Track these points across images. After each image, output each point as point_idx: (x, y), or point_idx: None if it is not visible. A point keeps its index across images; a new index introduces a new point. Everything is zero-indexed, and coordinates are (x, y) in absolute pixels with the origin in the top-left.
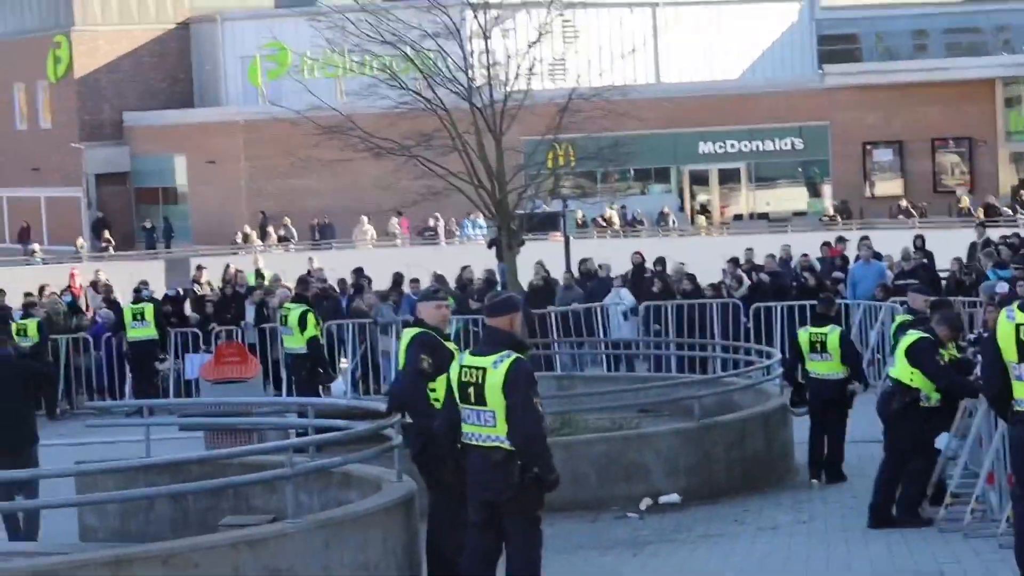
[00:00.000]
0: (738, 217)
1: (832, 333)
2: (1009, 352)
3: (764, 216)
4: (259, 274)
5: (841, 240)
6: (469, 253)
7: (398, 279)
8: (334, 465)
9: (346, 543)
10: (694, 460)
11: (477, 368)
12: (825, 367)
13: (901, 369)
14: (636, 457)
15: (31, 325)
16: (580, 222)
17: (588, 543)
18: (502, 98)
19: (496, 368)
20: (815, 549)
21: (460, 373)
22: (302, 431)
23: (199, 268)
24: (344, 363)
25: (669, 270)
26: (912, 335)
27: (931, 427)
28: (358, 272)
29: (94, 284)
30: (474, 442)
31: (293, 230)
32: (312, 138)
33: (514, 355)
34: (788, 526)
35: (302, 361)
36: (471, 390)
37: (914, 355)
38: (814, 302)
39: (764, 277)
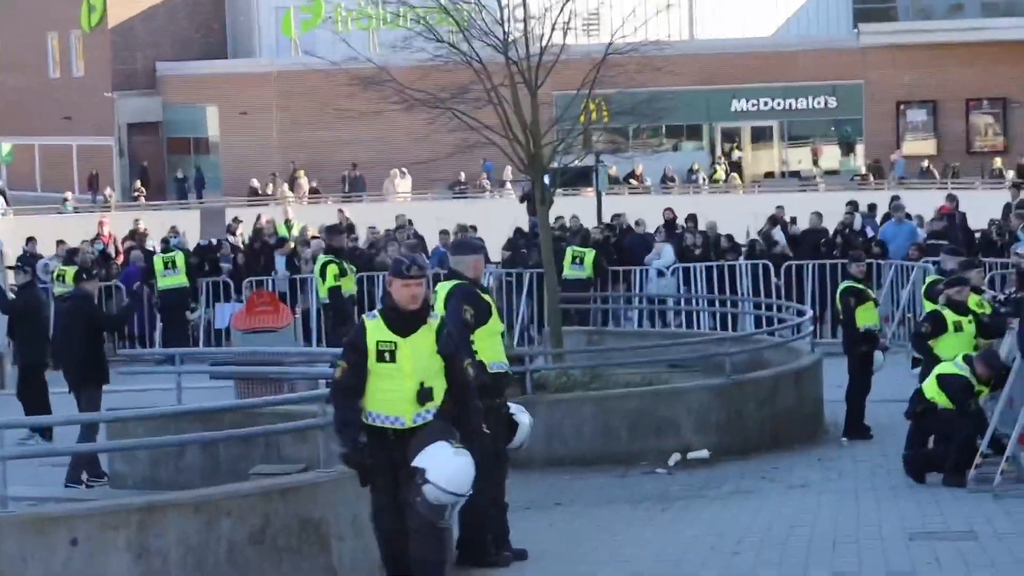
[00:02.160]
0: (769, 175)
1: None
2: None
3: (796, 174)
4: (288, 225)
5: (951, 198)
6: (501, 207)
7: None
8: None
9: None
10: (724, 416)
11: None
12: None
13: (929, 386)
14: (666, 412)
15: (69, 272)
16: (614, 178)
17: (618, 497)
18: (537, 52)
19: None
20: (845, 507)
21: None
22: None
23: (236, 220)
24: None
25: (701, 226)
26: (948, 368)
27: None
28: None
29: (133, 233)
30: None
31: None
32: (345, 89)
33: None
34: (818, 483)
35: (326, 311)
36: None
37: (947, 388)
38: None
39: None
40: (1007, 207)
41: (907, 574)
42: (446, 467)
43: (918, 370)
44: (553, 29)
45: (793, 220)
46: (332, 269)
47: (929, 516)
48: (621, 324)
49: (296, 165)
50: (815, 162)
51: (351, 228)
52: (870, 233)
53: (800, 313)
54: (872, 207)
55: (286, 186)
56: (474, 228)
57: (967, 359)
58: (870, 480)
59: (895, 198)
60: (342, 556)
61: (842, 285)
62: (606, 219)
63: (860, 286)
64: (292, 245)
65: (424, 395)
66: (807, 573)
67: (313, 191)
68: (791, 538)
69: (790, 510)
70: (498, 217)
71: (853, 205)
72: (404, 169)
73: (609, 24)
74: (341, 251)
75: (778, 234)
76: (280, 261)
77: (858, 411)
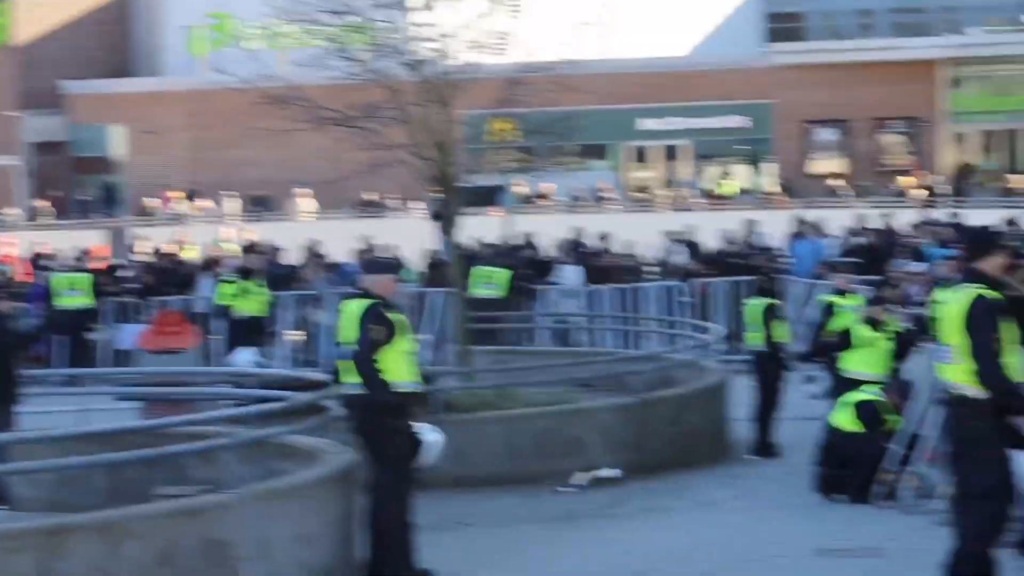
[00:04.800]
0: (680, 195)
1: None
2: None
3: (706, 193)
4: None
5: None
6: (412, 226)
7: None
8: (273, 436)
9: (284, 514)
10: (632, 435)
11: None
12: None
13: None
14: (575, 432)
15: None
16: (524, 198)
17: (526, 517)
18: (448, 71)
19: None
20: (753, 524)
21: None
22: (241, 401)
23: (136, 239)
24: (292, 334)
25: (612, 247)
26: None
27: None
28: (312, 246)
29: (38, 254)
30: None
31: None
32: (254, 109)
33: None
34: (726, 501)
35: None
36: None
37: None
38: (754, 277)
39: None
40: (915, 224)
41: None
42: None
43: (812, 387)
44: (464, 48)
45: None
46: (224, 288)
47: (837, 533)
48: (530, 343)
49: (200, 185)
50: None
51: (274, 249)
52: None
53: (709, 331)
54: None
55: (187, 204)
56: (391, 247)
57: (880, 386)
58: (778, 498)
59: (801, 217)
60: None
61: (757, 302)
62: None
63: (775, 302)
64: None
65: None
66: None
67: (217, 211)
68: (700, 555)
69: (698, 528)
70: (407, 235)
71: (752, 224)
72: (306, 188)
73: (522, 43)
74: (251, 271)
75: (683, 252)
76: (207, 283)
77: (767, 429)
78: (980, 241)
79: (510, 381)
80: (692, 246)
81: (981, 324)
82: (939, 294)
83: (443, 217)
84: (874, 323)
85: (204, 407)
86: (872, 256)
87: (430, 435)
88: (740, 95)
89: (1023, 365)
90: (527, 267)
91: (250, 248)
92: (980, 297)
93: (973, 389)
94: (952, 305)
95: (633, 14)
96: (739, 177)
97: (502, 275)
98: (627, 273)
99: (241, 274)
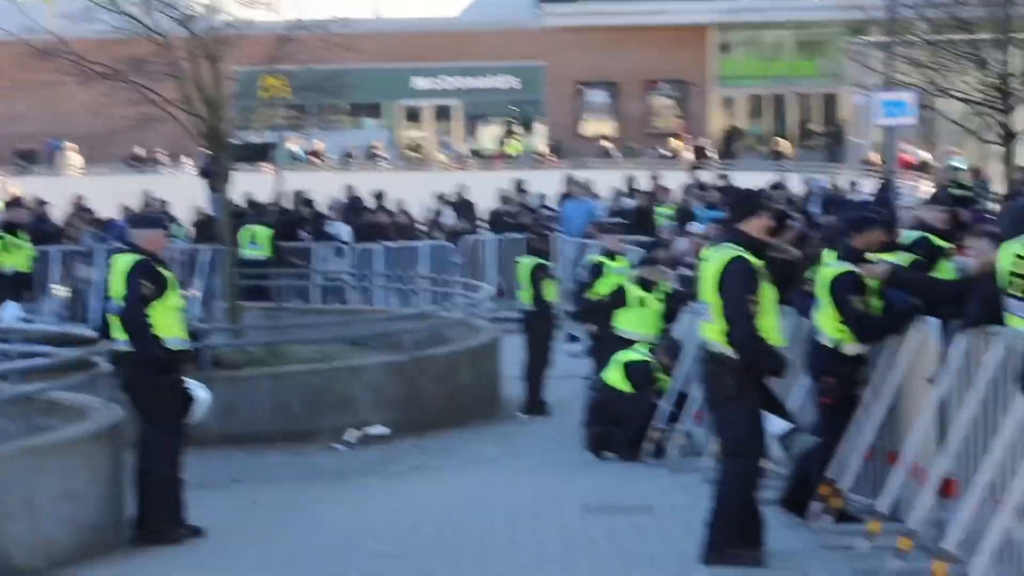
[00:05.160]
0: (451, 154)
1: None
2: None
3: (476, 153)
4: None
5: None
6: (182, 182)
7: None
8: (39, 392)
9: (50, 471)
10: (403, 393)
11: None
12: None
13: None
14: (345, 389)
15: None
16: (295, 155)
17: (296, 474)
18: (219, 25)
19: None
20: (524, 482)
21: None
22: (6, 357)
23: None
24: (58, 290)
25: (384, 205)
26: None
27: None
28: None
29: None
30: None
31: None
32: (20, 61)
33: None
34: (496, 459)
35: None
36: None
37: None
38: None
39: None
40: (685, 186)
41: (585, 548)
42: None
43: (574, 346)
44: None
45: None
46: None
47: (606, 490)
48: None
49: None
50: (503, 142)
51: (40, 204)
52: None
53: (479, 290)
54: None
55: None
56: (163, 202)
57: (649, 346)
58: (548, 455)
59: (570, 177)
60: (14, 537)
61: (527, 261)
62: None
63: (545, 261)
64: None
65: None
66: (486, 547)
67: None
68: (470, 513)
69: (469, 486)
70: (177, 192)
71: (519, 183)
72: (72, 143)
73: (293, 0)
74: (15, 226)
75: (454, 212)
76: None
77: (536, 387)
78: (743, 203)
79: (280, 338)
80: (464, 205)
81: (734, 284)
82: (704, 254)
83: (213, 174)
84: (646, 283)
85: None
86: (640, 217)
87: (199, 392)
88: (512, 56)
89: (782, 327)
90: (298, 225)
91: (14, 202)
92: (736, 258)
93: (725, 348)
94: (710, 265)
95: None
96: (517, 137)
97: (265, 234)
98: (399, 231)
99: (5, 228)
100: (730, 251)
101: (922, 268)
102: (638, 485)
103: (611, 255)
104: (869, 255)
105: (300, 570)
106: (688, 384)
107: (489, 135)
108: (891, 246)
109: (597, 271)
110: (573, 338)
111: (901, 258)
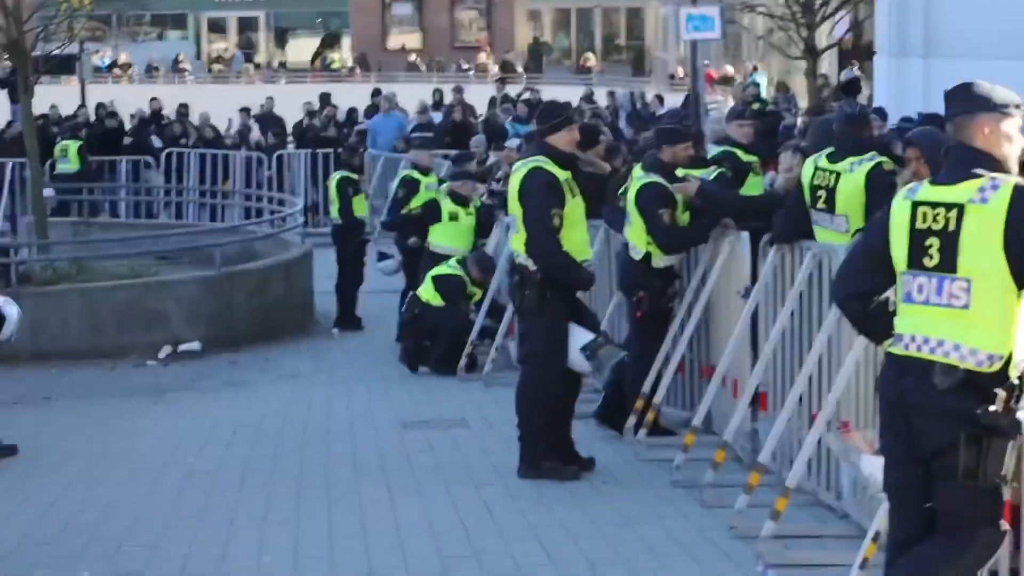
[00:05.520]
0: (257, 66)
1: None
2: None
3: (283, 66)
4: None
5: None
6: None
7: None
8: None
9: None
10: (215, 308)
11: None
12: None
13: (425, 289)
14: (156, 305)
15: None
16: (100, 67)
17: (108, 390)
18: None
19: None
20: (338, 397)
21: None
22: None
23: None
24: None
25: (191, 117)
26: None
27: None
28: None
29: None
30: None
31: None
32: None
33: None
34: (311, 374)
35: None
36: None
37: (442, 288)
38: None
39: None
40: (492, 100)
41: (402, 461)
42: None
43: (387, 263)
44: None
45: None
46: None
47: (422, 405)
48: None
49: None
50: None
51: None
52: (364, 125)
53: (290, 204)
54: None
55: None
56: None
57: (461, 261)
58: (362, 371)
59: (377, 91)
60: None
61: (337, 175)
62: (91, 108)
63: (355, 176)
64: None
65: None
66: (303, 462)
67: None
68: (286, 428)
69: (283, 401)
70: None
71: (326, 97)
72: None
73: None
74: None
75: (256, 128)
76: None
77: (349, 302)
78: (550, 116)
79: (89, 254)
80: (271, 119)
81: (534, 196)
82: (514, 168)
83: (15, 86)
84: (457, 198)
85: None
86: (450, 132)
87: (8, 308)
88: None
89: (589, 240)
90: (104, 138)
91: None
92: (536, 170)
93: (528, 260)
94: (514, 177)
95: None
96: (327, 50)
97: (74, 147)
98: (207, 145)
99: None
100: (532, 163)
101: (729, 183)
102: (453, 399)
103: (423, 170)
104: (678, 172)
105: (116, 486)
106: (502, 298)
107: (296, 48)
108: (698, 161)
109: (410, 186)
110: (384, 255)
111: (708, 173)
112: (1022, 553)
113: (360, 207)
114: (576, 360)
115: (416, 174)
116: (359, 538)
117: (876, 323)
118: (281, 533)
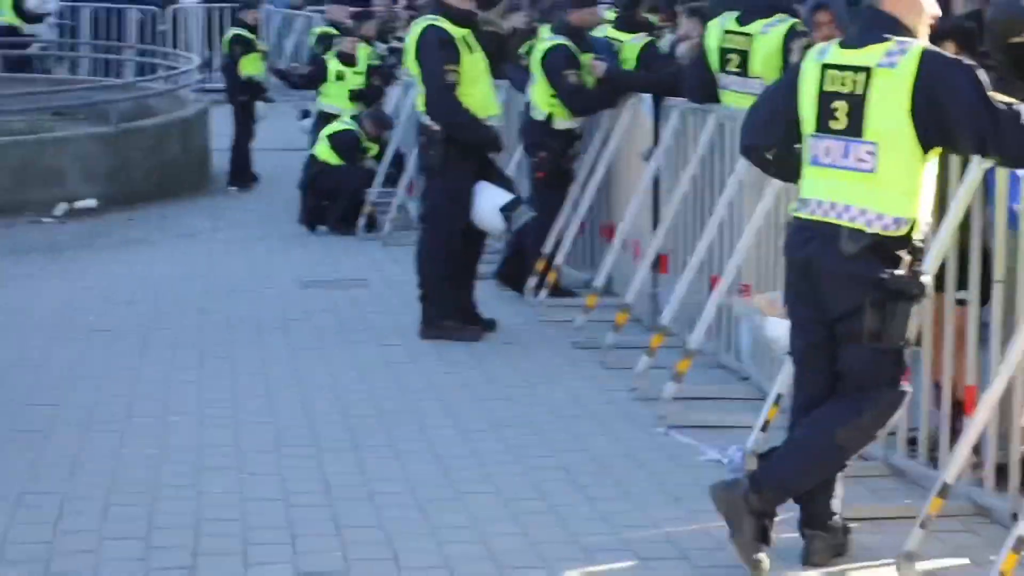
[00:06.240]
0: None
1: None
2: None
3: None
4: None
5: None
6: None
7: None
8: None
9: None
10: (111, 165)
11: None
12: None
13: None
14: (52, 161)
15: None
16: None
17: (4, 249)
18: None
19: None
20: (237, 256)
21: None
22: None
23: None
24: None
25: None
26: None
27: None
28: None
29: None
30: None
31: None
32: None
33: None
34: (207, 233)
35: None
36: None
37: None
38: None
39: None
40: None
41: (303, 321)
42: None
43: (308, 121)
44: None
45: None
46: None
47: (321, 265)
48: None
49: None
50: None
51: None
52: None
53: (186, 60)
54: None
55: None
56: None
57: (355, 117)
58: (260, 229)
59: None
60: None
61: (230, 32)
62: None
63: (248, 34)
64: None
65: None
66: (204, 320)
67: None
68: (186, 286)
69: (181, 259)
70: None
71: None
72: None
73: None
74: None
75: None
76: None
77: (244, 159)
78: None
79: None
80: None
81: (429, 54)
82: (412, 27)
83: None
84: (345, 57)
85: None
86: None
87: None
88: None
89: (493, 97)
90: None
91: None
92: (429, 27)
93: (428, 118)
94: (410, 36)
95: None
96: None
97: None
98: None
99: None
100: (426, 21)
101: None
102: (352, 259)
103: (337, 26)
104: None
105: (15, 345)
106: (399, 156)
107: None
108: (635, 25)
109: (326, 43)
110: (307, 113)
111: (638, 36)
112: (1011, 448)
113: (253, 66)
114: (490, 220)
115: (332, 30)
116: (264, 398)
117: (783, 167)
118: (185, 393)
